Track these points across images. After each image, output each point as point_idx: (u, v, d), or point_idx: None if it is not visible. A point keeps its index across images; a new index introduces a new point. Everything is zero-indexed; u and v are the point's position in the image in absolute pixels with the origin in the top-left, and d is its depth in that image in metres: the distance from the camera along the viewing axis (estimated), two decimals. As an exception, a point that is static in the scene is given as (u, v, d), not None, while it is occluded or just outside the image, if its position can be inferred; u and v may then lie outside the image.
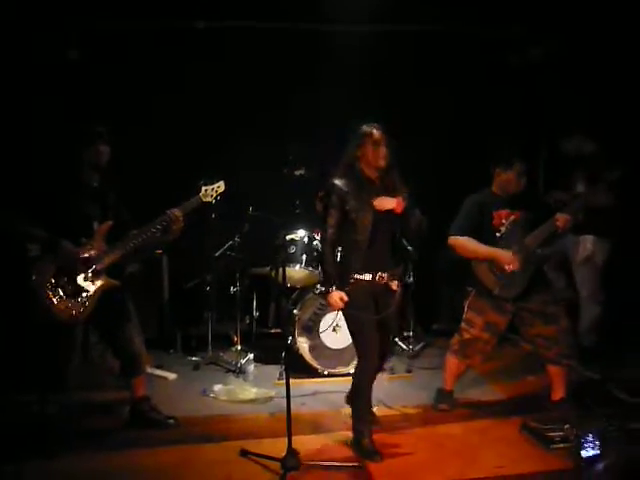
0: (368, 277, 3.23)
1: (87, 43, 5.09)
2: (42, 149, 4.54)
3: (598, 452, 3.13)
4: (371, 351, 3.25)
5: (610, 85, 4.86)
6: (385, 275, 3.27)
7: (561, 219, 3.55)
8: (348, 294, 3.20)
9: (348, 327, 3.34)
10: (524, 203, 3.68)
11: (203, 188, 3.61)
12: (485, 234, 3.65)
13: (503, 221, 3.65)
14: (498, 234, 3.65)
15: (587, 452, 3.15)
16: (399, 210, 3.19)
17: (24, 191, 3.41)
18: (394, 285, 3.33)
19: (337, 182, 3.24)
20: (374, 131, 3.23)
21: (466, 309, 3.80)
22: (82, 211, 3.38)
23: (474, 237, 3.63)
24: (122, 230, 3.46)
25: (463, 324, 3.78)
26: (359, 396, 3.36)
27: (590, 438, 3.16)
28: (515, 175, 3.66)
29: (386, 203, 3.20)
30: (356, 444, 3.29)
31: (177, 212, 3.45)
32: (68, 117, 4.81)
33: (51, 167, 3.57)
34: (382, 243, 3.27)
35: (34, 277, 3.28)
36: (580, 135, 4.69)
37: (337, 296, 3.18)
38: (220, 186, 3.68)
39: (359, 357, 3.33)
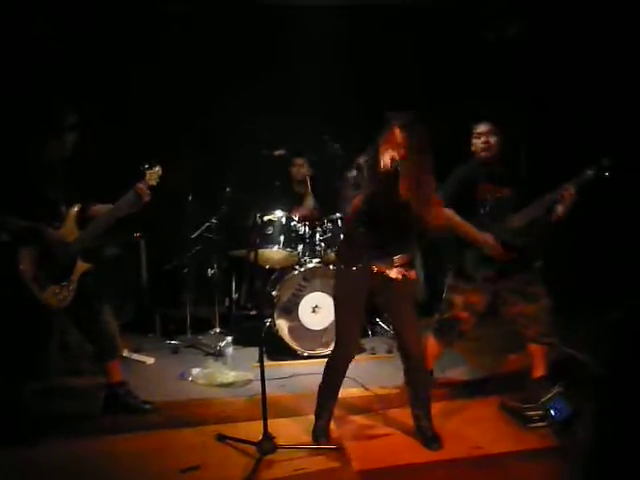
0: (358, 265, 3.00)
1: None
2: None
3: (570, 411, 3.21)
4: (344, 340, 3.14)
5: (588, 60, 4.80)
6: (381, 263, 3.02)
7: (569, 190, 3.31)
8: (342, 277, 3.11)
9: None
10: (510, 181, 3.56)
11: (147, 173, 3.42)
12: (469, 208, 3.55)
13: (487, 196, 3.57)
14: (482, 211, 3.58)
15: (560, 415, 3.23)
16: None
17: None
18: (392, 273, 3.02)
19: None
20: (395, 131, 2.85)
21: (446, 289, 3.76)
22: (48, 196, 3.29)
23: (455, 210, 3.50)
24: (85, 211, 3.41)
25: (442, 304, 3.73)
26: (324, 380, 3.24)
27: (557, 403, 3.27)
28: (475, 137, 3.57)
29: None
30: (314, 426, 3.24)
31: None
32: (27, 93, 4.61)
33: (12, 153, 3.42)
34: (391, 229, 2.98)
35: (21, 267, 3.19)
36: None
37: None
38: (158, 170, 3.45)
39: (334, 343, 3.21)
